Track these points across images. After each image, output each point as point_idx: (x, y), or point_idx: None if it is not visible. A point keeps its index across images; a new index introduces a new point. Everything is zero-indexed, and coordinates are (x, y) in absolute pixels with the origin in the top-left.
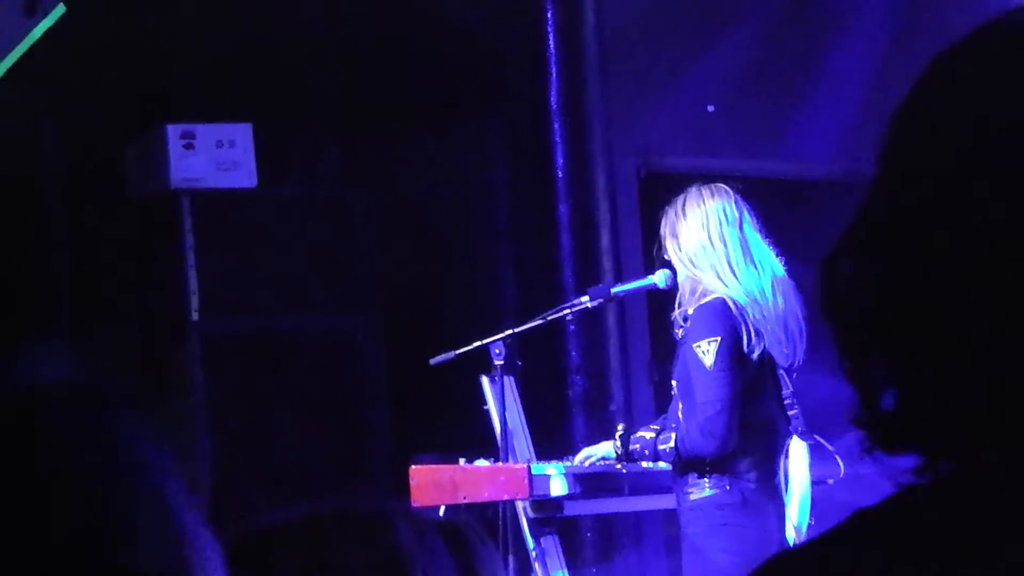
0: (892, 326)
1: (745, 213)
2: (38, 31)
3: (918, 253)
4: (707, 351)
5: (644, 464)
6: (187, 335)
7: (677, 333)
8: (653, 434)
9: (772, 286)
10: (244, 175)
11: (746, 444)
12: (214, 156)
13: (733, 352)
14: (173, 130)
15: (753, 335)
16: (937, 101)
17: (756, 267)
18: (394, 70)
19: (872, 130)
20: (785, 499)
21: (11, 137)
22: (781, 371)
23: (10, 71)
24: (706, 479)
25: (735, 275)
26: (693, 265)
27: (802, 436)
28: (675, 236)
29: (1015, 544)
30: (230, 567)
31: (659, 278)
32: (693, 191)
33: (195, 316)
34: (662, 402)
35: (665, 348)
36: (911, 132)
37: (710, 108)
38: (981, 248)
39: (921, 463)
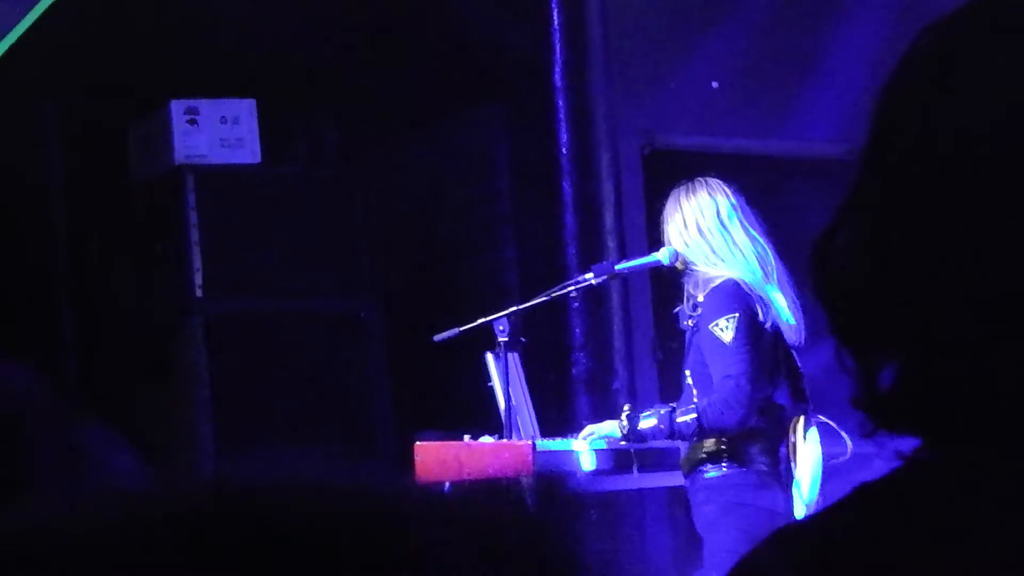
0: (886, 305)
1: (722, 203)
2: (40, 8)
3: (911, 230)
4: (726, 328)
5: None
6: (191, 312)
7: (686, 324)
8: (668, 409)
9: (763, 269)
10: (248, 151)
11: (760, 428)
12: (218, 132)
13: (751, 328)
14: (177, 106)
15: (765, 308)
16: (926, 74)
17: (742, 252)
18: (397, 48)
19: None
20: (794, 479)
21: (14, 115)
22: (793, 351)
23: (12, 48)
24: (716, 459)
25: (724, 263)
26: (687, 262)
27: (811, 416)
28: (667, 240)
29: (1008, 527)
30: None
31: (663, 255)
32: (671, 195)
33: (199, 293)
34: (666, 380)
35: (669, 326)
36: (900, 106)
37: (714, 84)
38: (975, 223)
39: (922, 445)
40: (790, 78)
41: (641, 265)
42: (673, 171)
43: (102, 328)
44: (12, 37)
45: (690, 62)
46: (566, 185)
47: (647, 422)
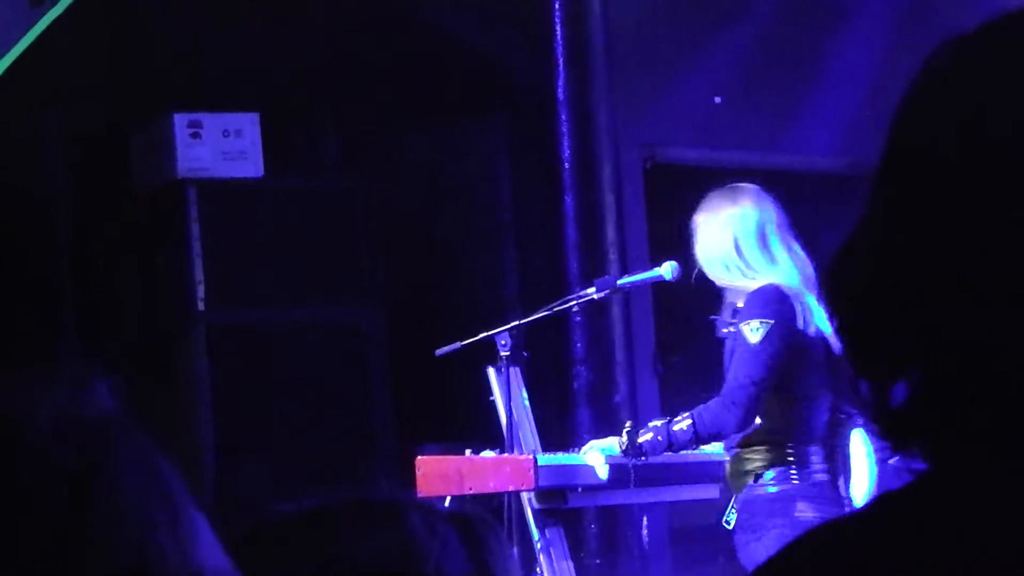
0: (894, 313)
1: (760, 211)
2: (44, 22)
3: (917, 239)
4: (756, 329)
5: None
6: (193, 325)
7: (725, 332)
8: (665, 421)
9: (801, 275)
10: (251, 165)
11: (818, 435)
12: (221, 145)
13: (783, 337)
14: (180, 119)
15: (807, 314)
16: (939, 95)
17: (780, 260)
18: (400, 61)
19: (877, 122)
20: (848, 486)
21: (17, 128)
22: (840, 357)
23: (16, 62)
24: (771, 471)
25: (763, 272)
26: (723, 271)
27: (860, 422)
28: (700, 250)
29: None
30: (240, 559)
31: (665, 270)
32: (709, 201)
33: (201, 306)
34: (667, 394)
35: (671, 340)
36: (913, 123)
37: (717, 100)
38: (989, 244)
39: (938, 455)
40: (792, 92)
41: (643, 279)
42: (674, 184)
43: (105, 338)
44: (17, 49)
45: (692, 76)
46: (568, 198)
47: (645, 436)
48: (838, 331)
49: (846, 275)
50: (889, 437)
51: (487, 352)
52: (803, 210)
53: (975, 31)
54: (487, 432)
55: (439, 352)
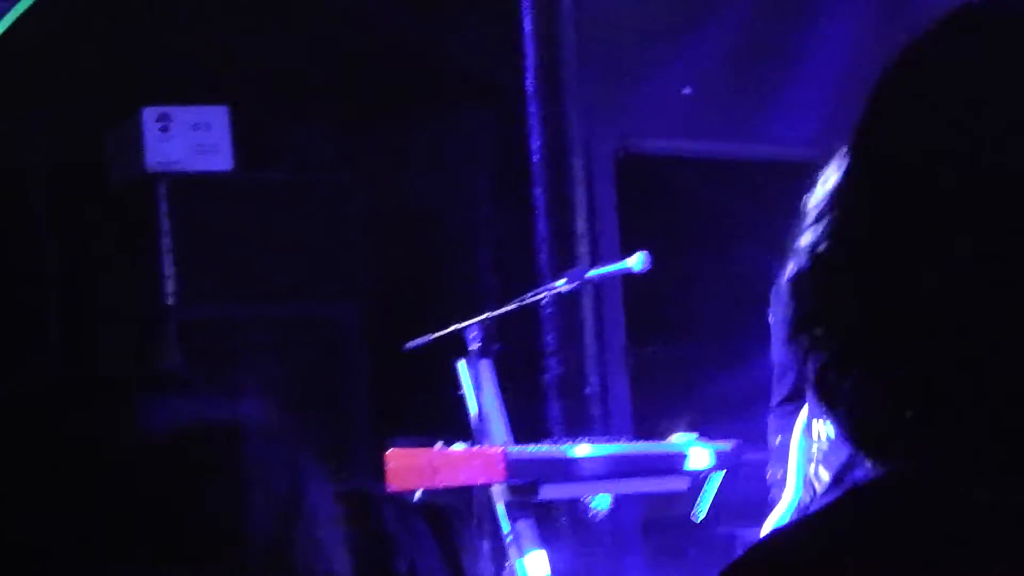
0: (870, 337)
1: None
2: (11, 16)
3: (896, 257)
4: None
5: None
6: (162, 320)
7: None
8: None
9: None
10: (220, 158)
11: None
12: (190, 139)
13: None
14: (149, 113)
15: None
16: (908, 94)
17: None
18: (374, 55)
19: (852, 111)
20: None
21: None
22: None
23: None
24: None
25: None
26: None
27: None
28: None
29: (993, 541)
30: None
31: (634, 262)
32: None
33: (171, 300)
34: (638, 386)
35: (641, 332)
36: (883, 129)
37: (686, 90)
38: (967, 250)
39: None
40: (765, 81)
41: (612, 272)
42: (646, 176)
43: (85, 333)
44: None
45: (664, 66)
46: (538, 190)
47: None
48: (809, 337)
49: (815, 279)
50: (861, 441)
51: (460, 345)
52: (777, 199)
53: (940, 24)
54: (464, 426)
55: (408, 345)
